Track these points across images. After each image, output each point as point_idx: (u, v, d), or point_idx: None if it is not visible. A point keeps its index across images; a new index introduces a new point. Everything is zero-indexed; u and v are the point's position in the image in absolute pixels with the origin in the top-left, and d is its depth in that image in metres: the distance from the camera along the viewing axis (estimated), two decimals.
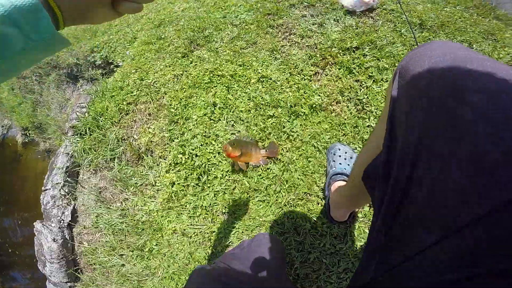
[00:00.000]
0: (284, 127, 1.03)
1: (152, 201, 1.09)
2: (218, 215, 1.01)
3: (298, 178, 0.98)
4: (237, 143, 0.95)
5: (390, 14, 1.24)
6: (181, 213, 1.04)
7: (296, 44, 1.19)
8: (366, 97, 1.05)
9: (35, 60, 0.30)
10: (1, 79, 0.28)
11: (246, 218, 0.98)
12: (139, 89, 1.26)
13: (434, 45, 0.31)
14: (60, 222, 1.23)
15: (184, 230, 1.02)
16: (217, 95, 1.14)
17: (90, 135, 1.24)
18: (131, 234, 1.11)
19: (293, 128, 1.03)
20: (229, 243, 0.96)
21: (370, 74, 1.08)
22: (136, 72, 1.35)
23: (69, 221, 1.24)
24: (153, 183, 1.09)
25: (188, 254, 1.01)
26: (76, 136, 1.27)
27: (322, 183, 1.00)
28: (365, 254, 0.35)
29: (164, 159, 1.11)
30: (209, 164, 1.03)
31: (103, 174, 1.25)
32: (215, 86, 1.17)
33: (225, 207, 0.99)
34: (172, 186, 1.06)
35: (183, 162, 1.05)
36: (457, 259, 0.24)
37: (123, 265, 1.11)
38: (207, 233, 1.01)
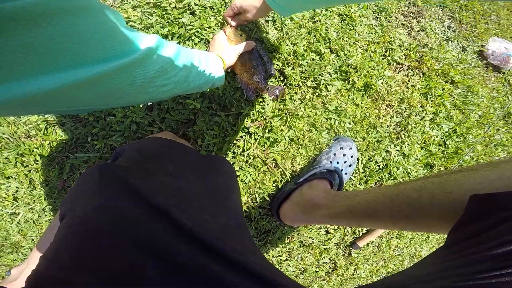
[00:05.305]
0: (321, 75, 0.74)
1: None
2: None
3: (283, 138, 0.71)
4: (241, 37, 0.63)
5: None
6: None
7: (410, 28, 0.89)
8: (413, 126, 0.82)
9: None
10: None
11: (168, 123, 0.69)
12: None
13: None
14: None
15: None
16: None
17: None
18: None
19: (328, 85, 0.75)
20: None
21: (436, 112, 0.85)
22: None
23: None
24: None
25: None
26: None
27: (299, 165, 0.74)
28: None
29: None
30: (197, 32, 0.70)
31: None
32: None
33: None
34: None
35: (167, 7, 0.69)
36: None
37: None
38: None
